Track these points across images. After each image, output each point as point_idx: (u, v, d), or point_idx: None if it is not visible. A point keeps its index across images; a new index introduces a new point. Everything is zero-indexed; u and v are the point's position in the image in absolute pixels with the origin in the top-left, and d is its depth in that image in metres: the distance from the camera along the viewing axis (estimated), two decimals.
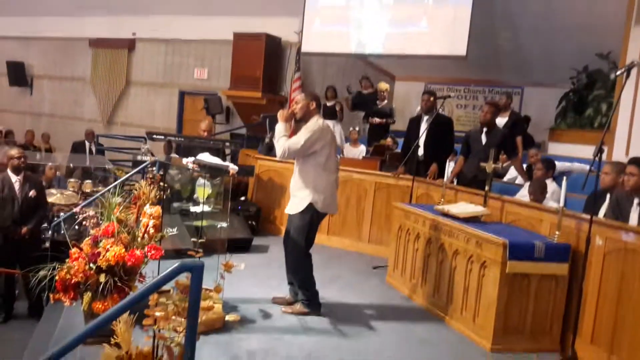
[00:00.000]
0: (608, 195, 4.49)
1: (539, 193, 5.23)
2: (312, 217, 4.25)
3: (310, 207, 4.23)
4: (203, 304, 3.35)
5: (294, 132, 4.42)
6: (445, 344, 4.11)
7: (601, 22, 7.66)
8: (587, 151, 6.98)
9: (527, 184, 5.67)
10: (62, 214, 6.34)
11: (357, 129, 9.06)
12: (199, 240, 3.91)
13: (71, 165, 8.07)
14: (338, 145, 4.48)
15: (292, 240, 4.32)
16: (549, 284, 4.04)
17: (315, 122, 4.23)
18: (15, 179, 5.79)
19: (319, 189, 4.21)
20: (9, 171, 5.82)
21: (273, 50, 10.51)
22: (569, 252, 4.03)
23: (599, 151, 3.76)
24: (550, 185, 5.50)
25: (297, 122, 4.40)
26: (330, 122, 4.77)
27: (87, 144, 10.61)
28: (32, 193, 5.81)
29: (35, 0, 12.83)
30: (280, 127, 4.26)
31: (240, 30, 10.45)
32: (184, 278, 2.98)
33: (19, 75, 13.99)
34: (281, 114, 4.30)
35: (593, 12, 7.66)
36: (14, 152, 5.91)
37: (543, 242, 3.99)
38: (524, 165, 6.59)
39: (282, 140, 4.18)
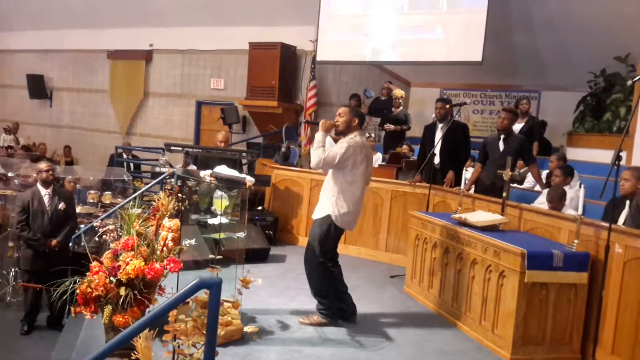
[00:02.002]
0: (628, 202, 4.44)
1: (557, 200, 5.19)
2: (329, 228, 4.28)
3: (329, 218, 4.27)
4: (221, 319, 3.39)
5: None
6: (464, 354, 4.09)
7: (619, 24, 7.58)
8: (606, 156, 6.91)
9: (546, 191, 5.63)
10: (82, 226, 6.44)
11: (372, 135, 9.06)
12: (217, 257, 3.95)
13: (111, 178, 8.22)
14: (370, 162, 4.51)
15: (309, 245, 4.37)
16: (569, 293, 4.01)
17: (352, 137, 4.26)
18: (44, 192, 5.90)
19: (340, 204, 4.25)
20: (38, 185, 5.93)
21: (288, 59, 10.59)
22: (588, 261, 3.99)
23: (617, 158, 3.73)
24: (569, 192, 5.45)
25: (336, 134, 4.45)
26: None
27: (124, 156, 10.77)
28: (61, 206, 5.92)
29: (54, 13, 13.08)
30: (319, 137, 4.29)
31: (256, 40, 10.55)
32: (203, 294, 3.03)
33: (38, 87, 14.26)
34: (323, 124, 4.34)
35: (611, 14, 7.59)
36: (43, 165, 6.02)
37: (562, 251, 3.97)
38: (544, 172, 6.55)
39: (319, 151, 4.20)
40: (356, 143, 4.23)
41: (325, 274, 4.36)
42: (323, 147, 4.22)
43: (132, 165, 10.68)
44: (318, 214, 4.36)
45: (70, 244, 6.15)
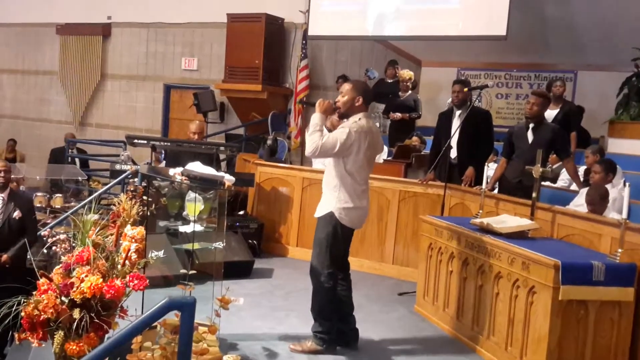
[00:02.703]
0: None
1: (599, 201, 5.20)
2: (335, 229, 4.27)
3: (332, 217, 4.27)
4: (195, 347, 3.39)
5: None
6: None
7: None
8: None
9: (583, 190, 5.65)
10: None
11: (377, 125, 9.05)
12: (190, 272, 3.94)
13: (52, 178, 8.16)
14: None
15: (314, 253, 4.36)
16: (611, 312, 4.02)
17: (356, 121, 4.25)
18: None
19: (343, 198, 4.25)
20: None
21: (275, 33, 10.59)
22: (634, 274, 4.00)
23: None
24: (612, 191, 5.48)
25: (339, 117, 4.44)
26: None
27: (69, 151, 10.72)
28: (16, 214, 5.83)
29: None
30: (315, 119, 4.25)
31: (235, 10, 10.53)
32: (173, 316, 3.03)
33: None
34: (320, 104, 4.30)
35: None
36: None
37: (603, 262, 3.98)
38: (581, 168, 6.57)
39: (315, 136, 4.17)
40: (360, 127, 4.21)
41: (334, 289, 4.35)
42: (320, 132, 4.20)
43: (77, 161, 10.56)
44: (319, 211, 4.37)
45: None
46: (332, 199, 4.29)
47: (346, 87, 4.36)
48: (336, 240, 4.29)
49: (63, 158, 10.49)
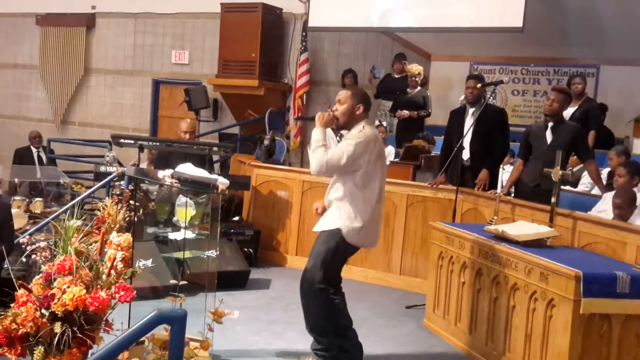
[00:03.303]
0: None
1: (628, 205, 5.19)
2: (337, 246, 4.27)
3: (338, 233, 4.26)
4: None
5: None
6: None
7: None
8: None
9: (606, 195, 5.65)
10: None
11: (383, 124, 9.07)
12: (181, 283, 3.95)
13: (15, 180, 8.15)
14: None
15: (308, 266, 4.36)
16: (637, 327, 4.02)
17: (361, 130, 4.24)
18: None
19: (351, 215, 4.24)
20: None
21: (272, 25, 10.60)
22: None
23: None
24: (638, 195, 5.48)
25: (338, 129, 4.45)
26: None
27: (33, 150, 10.72)
28: None
29: None
30: (317, 135, 4.24)
31: (230, 0, 10.54)
32: (162, 330, 3.03)
33: None
34: (319, 118, 4.31)
35: None
36: None
37: (628, 273, 3.98)
38: (604, 171, 6.57)
39: (319, 152, 4.16)
40: (367, 137, 4.20)
41: (326, 305, 4.35)
42: (324, 147, 4.19)
43: (44, 160, 10.52)
44: (324, 225, 4.35)
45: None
46: (341, 214, 4.26)
47: (343, 94, 4.36)
48: (335, 258, 4.29)
49: (30, 158, 10.49)
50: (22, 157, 10.77)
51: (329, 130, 4.64)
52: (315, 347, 4.40)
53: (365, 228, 4.26)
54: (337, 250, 4.26)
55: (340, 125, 4.37)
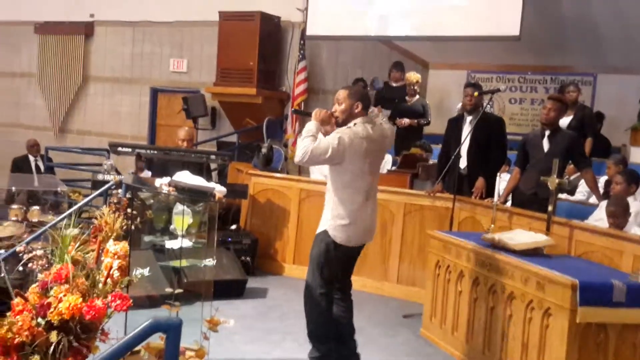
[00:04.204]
0: None
1: (622, 214, 5.21)
2: (327, 248, 4.28)
3: (325, 234, 4.28)
4: None
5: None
6: None
7: None
8: None
9: (603, 204, 5.66)
10: (1, 251, 6.39)
11: (383, 127, 9.04)
12: (177, 291, 3.94)
13: (13, 188, 8.15)
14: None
15: (308, 273, 4.39)
16: (634, 336, 4.02)
17: (349, 127, 4.26)
18: None
19: (337, 213, 4.25)
20: None
21: (270, 33, 10.63)
22: None
23: None
24: (633, 204, 5.50)
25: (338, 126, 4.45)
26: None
27: (31, 159, 10.71)
28: None
29: None
30: (310, 126, 4.27)
31: (228, 8, 10.57)
32: (158, 339, 3.03)
33: None
34: (317, 114, 4.34)
35: None
36: None
37: (624, 282, 3.98)
38: (600, 180, 6.58)
39: (306, 141, 4.18)
40: (354, 133, 4.21)
41: (328, 312, 4.36)
42: (313, 137, 4.22)
43: (42, 169, 10.52)
44: (319, 228, 4.39)
45: None
46: (327, 215, 4.31)
47: (342, 94, 4.37)
48: (328, 260, 4.29)
49: (27, 167, 10.48)
50: (19, 165, 10.75)
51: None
52: (313, 355, 4.40)
53: (352, 224, 4.24)
54: (328, 252, 4.27)
55: (340, 125, 4.38)
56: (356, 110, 4.32)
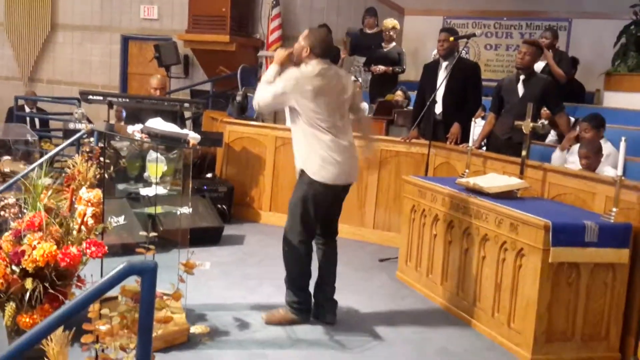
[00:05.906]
0: None
1: (593, 154, 5.24)
2: (308, 189, 4.24)
3: (304, 176, 4.27)
4: (158, 314, 3.40)
5: None
6: (473, 355, 4.19)
7: None
8: None
9: (576, 147, 5.71)
10: None
11: (359, 79, 9.01)
12: (151, 234, 3.93)
13: (10, 138, 8.04)
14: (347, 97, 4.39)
15: (287, 220, 4.39)
16: (605, 275, 4.11)
17: (299, 68, 4.24)
18: None
19: (311, 157, 4.24)
20: None
21: None
22: (629, 234, 4.08)
23: None
24: (605, 146, 5.55)
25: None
26: None
27: (27, 109, 10.51)
28: None
29: None
30: (270, 71, 4.30)
31: None
32: (134, 283, 3.03)
33: None
34: (278, 54, 4.36)
35: None
36: None
37: (596, 222, 4.04)
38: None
39: (261, 87, 4.25)
40: (302, 73, 4.20)
41: (307, 259, 4.39)
42: (268, 82, 4.27)
43: (37, 121, 10.45)
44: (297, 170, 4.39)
45: None
46: (298, 157, 4.32)
47: (303, 34, 4.36)
48: (306, 203, 4.26)
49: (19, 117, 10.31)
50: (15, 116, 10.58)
51: None
52: (290, 299, 4.43)
53: (326, 162, 4.19)
54: (307, 195, 4.25)
55: (296, 65, 4.34)
56: (305, 55, 4.27)
